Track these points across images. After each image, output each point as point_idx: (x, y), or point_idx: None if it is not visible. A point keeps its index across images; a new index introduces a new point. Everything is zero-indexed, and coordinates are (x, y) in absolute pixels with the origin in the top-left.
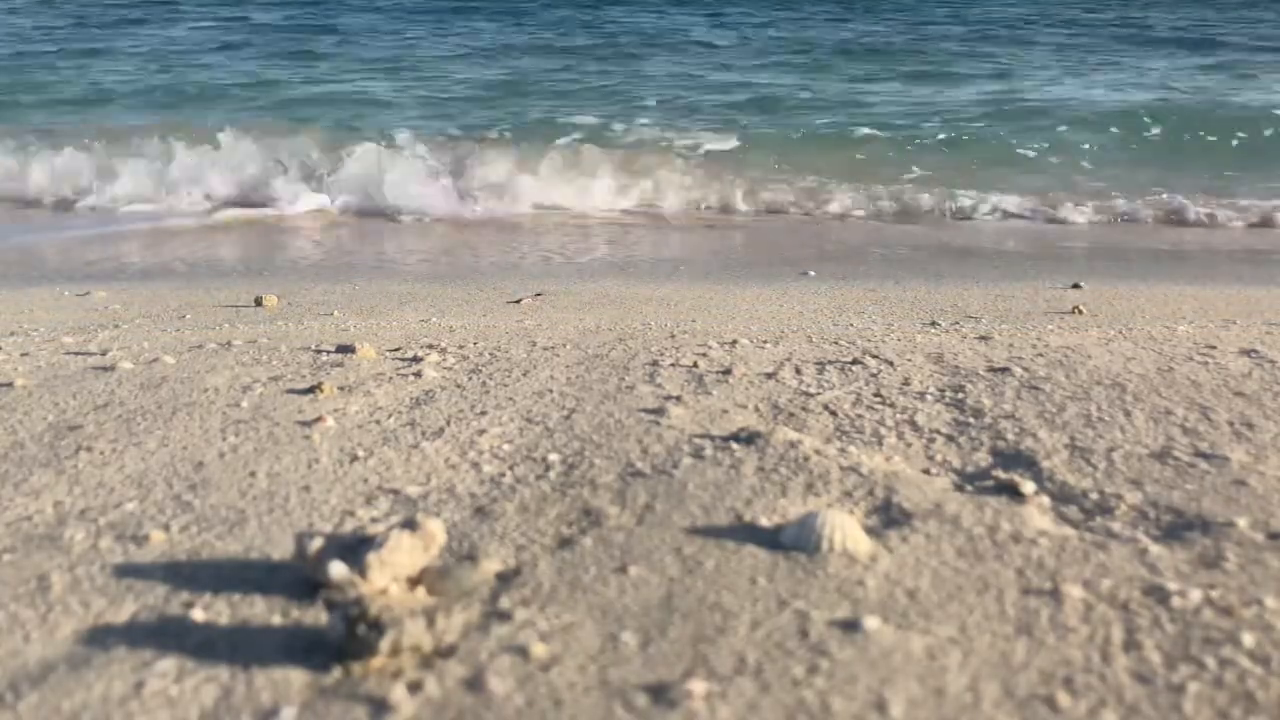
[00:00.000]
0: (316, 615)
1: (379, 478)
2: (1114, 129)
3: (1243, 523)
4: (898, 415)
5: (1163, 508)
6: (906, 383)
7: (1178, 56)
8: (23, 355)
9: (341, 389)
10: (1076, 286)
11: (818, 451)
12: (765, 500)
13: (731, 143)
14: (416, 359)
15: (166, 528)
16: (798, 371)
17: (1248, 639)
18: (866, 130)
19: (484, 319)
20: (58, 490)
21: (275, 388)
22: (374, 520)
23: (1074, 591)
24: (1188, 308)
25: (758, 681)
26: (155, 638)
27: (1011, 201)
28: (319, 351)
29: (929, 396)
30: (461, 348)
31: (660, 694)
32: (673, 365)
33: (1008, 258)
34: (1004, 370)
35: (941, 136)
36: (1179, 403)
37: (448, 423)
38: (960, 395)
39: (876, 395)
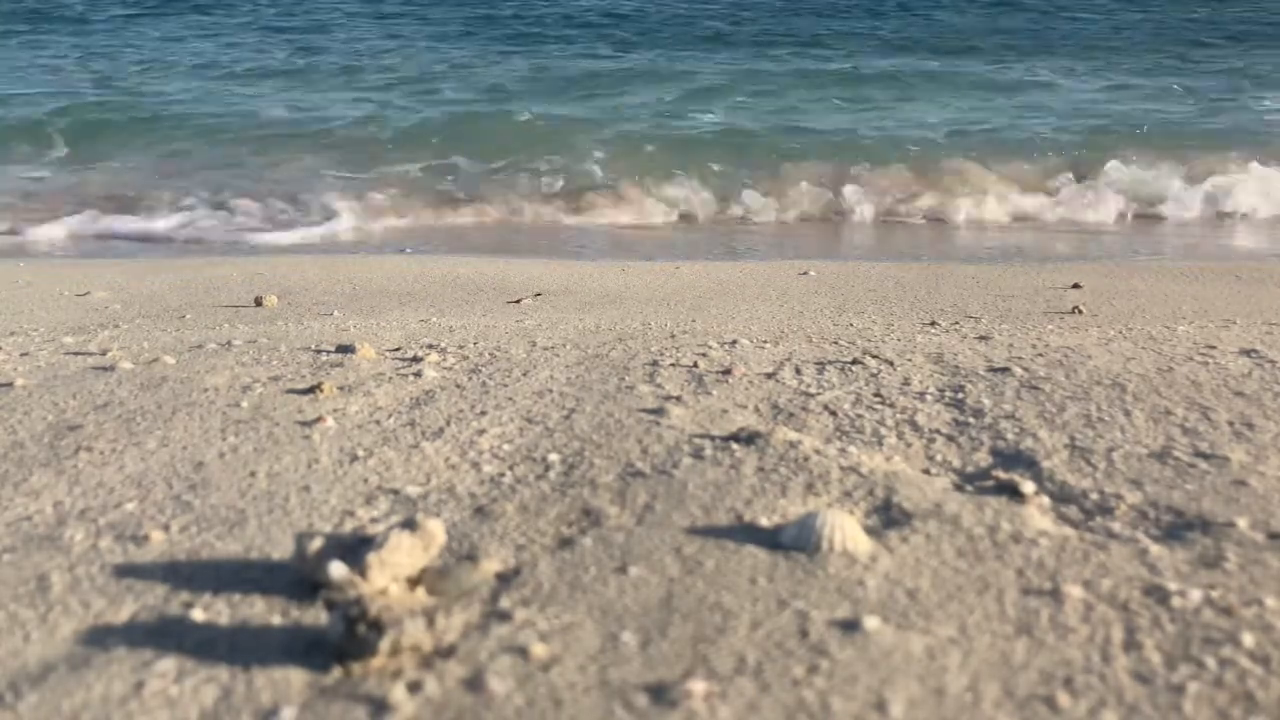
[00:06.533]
0: (316, 615)
1: (379, 478)
2: None
3: (1243, 523)
4: (898, 415)
5: (1163, 508)
6: (906, 383)
7: None
8: (22, 355)
9: (341, 389)
10: (1076, 286)
11: (818, 451)
12: (765, 500)
13: None
14: (416, 359)
15: (166, 528)
16: (798, 371)
17: (1248, 639)
18: None
19: (484, 319)
20: (58, 490)
21: (275, 388)
22: (374, 520)
23: (1074, 591)
24: (1188, 308)
25: (758, 681)
26: (155, 638)
27: None
28: (319, 351)
29: (929, 396)
30: (461, 348)
31: (660, 694)
32: (673, 365)
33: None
34: (1004, 370)
35: None
36: (1179, 403)
37: (448, 423)
38: (960, 395)
39: (876, 395)
